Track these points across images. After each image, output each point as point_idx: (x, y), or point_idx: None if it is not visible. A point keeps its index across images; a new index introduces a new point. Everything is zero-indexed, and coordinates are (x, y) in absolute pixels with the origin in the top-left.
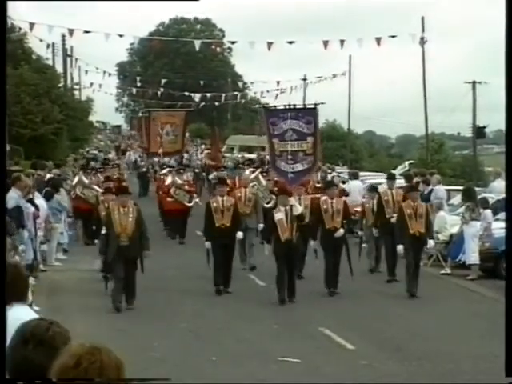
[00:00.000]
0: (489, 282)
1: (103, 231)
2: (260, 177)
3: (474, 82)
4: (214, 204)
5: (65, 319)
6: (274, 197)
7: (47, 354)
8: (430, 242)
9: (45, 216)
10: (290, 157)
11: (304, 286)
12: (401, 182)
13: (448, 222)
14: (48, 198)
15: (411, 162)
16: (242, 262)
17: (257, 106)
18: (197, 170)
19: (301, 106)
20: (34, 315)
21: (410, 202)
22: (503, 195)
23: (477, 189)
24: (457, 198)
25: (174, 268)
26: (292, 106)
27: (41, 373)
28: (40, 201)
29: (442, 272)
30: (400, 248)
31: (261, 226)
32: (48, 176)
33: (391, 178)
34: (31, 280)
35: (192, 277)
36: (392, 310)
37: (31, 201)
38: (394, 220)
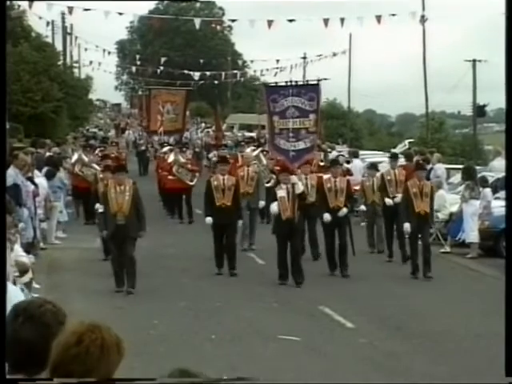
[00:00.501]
0: (488, 260)
1: (101, 209)
2: (261, 155)
3: (474, 61)
4: (215, 182)
5: (64, 297)
6: (274, 176)
7: (35, 328)
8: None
9: (45, 194)
10: (291, 134)
11: (304, 265)
12: (401, 160)
13: (447, 200)
14: (49, 176)
15: (411, 140)
16: (243, 241)
17: (257, 83)
18: (197, 149)
19: (303, 83)
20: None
21: (416, 181)
22: (503, 174)
23: (476, 167)
24: (456, 177)
25: (173, 247)
26: (294, 83)
27: (28, 347)
28: (40, 179)
29: (442, 250)
30: (407, 226)
31: (262, 203)
32: (47, 154)
33: (394, 157)
34: (31, 258)
35: (191, 256)
36: (391, 288)
37: (30, 179)
38: (397, 200)
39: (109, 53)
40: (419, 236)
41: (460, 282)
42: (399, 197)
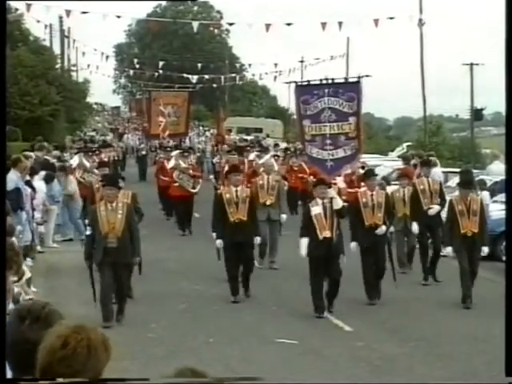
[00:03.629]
0: (487, 263)
1: (88, 231)
2: (272, 160)
3: (471, 64)
4: (227, 195)
5: (62, 300)
6: (286, 183)
7: (42, 330)
8: (484, 250)
9: (42, 198)
10: (328, 141)
11: (301, 268)
12: (398, 163)
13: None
14: (48, 180)
15: (409, 144)
16: (262, 258)
17: (289, 82)
18: (198, 154)
19: (341, 80)
20: None
21: (462, 197)
22: (501, 177)
23: (474, 171)
24: (454, 181)
25: (172, 250)
26: (330, 81)
27: (36, 348)
28: (38, 183)
29: (441, 254)
30: (449, 250)
31: (284, 217)
32: (45, 157)
33: (427, 164)
34: (29, 261)
35: (190, 260)
36: (389, 292)
37: (28, 182)
38: (431, 212)
39: (107, 57)
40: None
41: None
42: (435, 208)
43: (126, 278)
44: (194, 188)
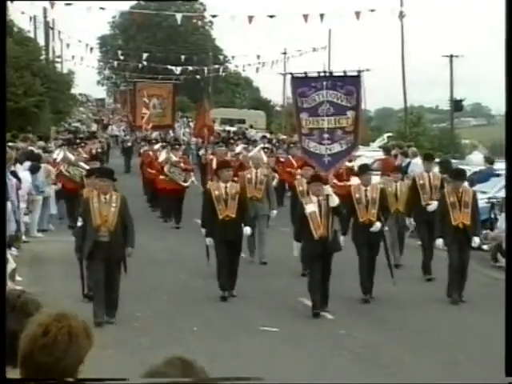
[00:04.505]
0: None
1: (79, 223)
2: (262, 153)
3: (451, 56)
4: (216, 192)
5: (47, 290)
6: (276, 175)
7: (19, 319)
8: (475, 240)
9: (27, 188)
10: (326, 136)
11: (288, 261)
12: (379, 154)
13: None
14: (33, 170)
15: (390, 134)
16: (251, 253)
17: (285, 73)
18: (183, 146)
19: (340, 73)
20: None
21: (454, 189)
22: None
23: (453, 161)
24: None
25: (158, 241)
26: (328, 73)
27: (14, 338)
28: (24, 173)
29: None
30: (439, 242)
31: (274, 212)
32: (30, 148)
33: (429, 158)
34: (14, 251)
35: (176, 250)
36: (379, 286)
37: (14, 173)
38: (430, 208)
39: (91, 48)
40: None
41: (442, 274)
42: (434, 204)
43: (117, 274)
44: (185, 181)
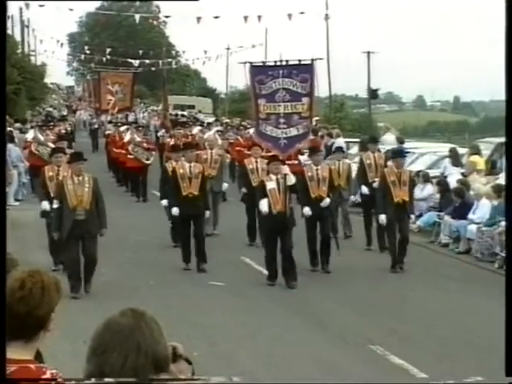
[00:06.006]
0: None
1: (55, 205)
2: (216, 135)
3: (368, 52)
4: (181, 171)
5: (20, 249)
6: (228, 155)
7: None
8: (412, 217)
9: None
10: (282, 120)
11: (238, 231)
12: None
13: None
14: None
15: (317, 118)
16: (206, 225)
17: (244, 62)
18: (140, 128)
19: (295, 62)
20: None
21: (394, 168)
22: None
23: None
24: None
25: (122, 209)
26: (284, 62)
27: None
28: None
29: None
30: (382, 218)
31: (225, 185)
32: (8, 129)
33: (373, 140)
34: None
35: (137, 217)
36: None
37: None
38: (376, 184)
39: (61, 44)
40: (398, 227)
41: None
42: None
43: (93, 249)
44: (148, 159)
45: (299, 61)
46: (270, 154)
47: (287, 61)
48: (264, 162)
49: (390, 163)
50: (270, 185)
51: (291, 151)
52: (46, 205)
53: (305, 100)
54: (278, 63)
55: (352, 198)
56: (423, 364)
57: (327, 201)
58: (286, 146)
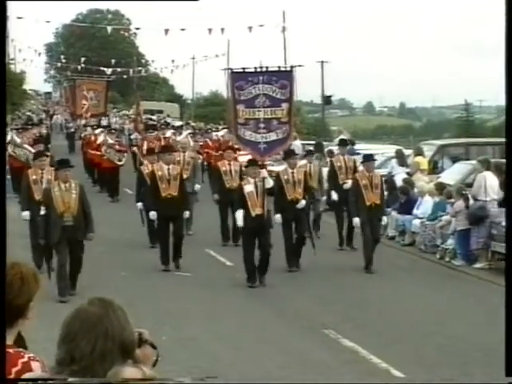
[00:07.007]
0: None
1: (42, 212)
2: (189, 138)
3: (322, 62)
4: (160, 173)
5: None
6: (200, 156)
7: None
8: (384, 219)
9: None
10: (261, 125)
11: (209, 229)
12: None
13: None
14: None
15: None
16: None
17: (225, 69)
18: (113, 131)
19: (275, 69)
20: None
21: (365, 172)
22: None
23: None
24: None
25: (96, 208)
26: (264, 69)
27: None
28: None
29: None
30: (356, 221)
31: (198, 186)
32: None
33: (343, 143)
34: None
35: (111, 214)
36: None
37: None
38: (346, 186)
39: (39, 53)
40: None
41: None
42: (349, 183)
43: (80, 254)
44: (120, 161)
45: (279, 67)
46: (243, 153)
47: (267, 67)
48: (237, 165)
49: (361, 167)
50: (248, 188)
51: (270, 155)
52: (26, 215)
53: (284, 106)
54: (259, 69)
55: (323, 198)
56: (373, 347)
57: (303, 203)
58: (265, 151)
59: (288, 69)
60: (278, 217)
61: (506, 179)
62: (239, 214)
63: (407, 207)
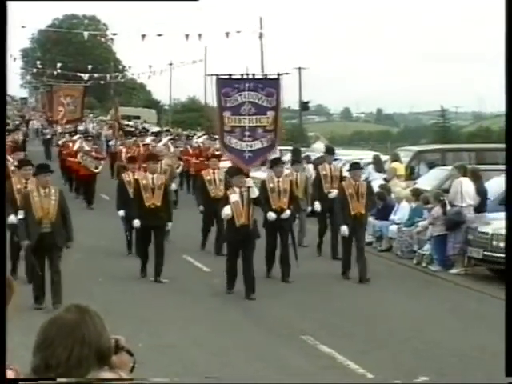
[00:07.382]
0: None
1: (20, 216)
2: (169, 144)
3: (299, 68)
4: (144, 182)
5: None
6: (181, 163)
7: None
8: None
9: None
10: (247, 133)
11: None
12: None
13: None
14: None
15: None
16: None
17: (211, 74)
18: (90, 138)
19: (261, 76)
20: None
21: (352, 181)
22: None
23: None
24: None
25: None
26: (251, 76)
27: None
28: None
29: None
30: (344, 229)
31: (173, 186)
32: None
33: (329, 152)
34: None
35: (88, 220)
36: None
37: None
38: (332, 195)
39: (15, 59)
40: (354, 238)
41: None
42: (334, 192)
43: (58, 261)
44: (96, 168)
45: (265, 75)
46: (223, 158)
47: (253, 74)
48: (221, 173)
49: (348, 176)
50: (234, 197)
51: (255, 164)
52: (12, 219)
53: (270, 114)
54: (245, 76)
55: (309, 208)
56: (350, 353)
57: (287, 213)
58: (250, 159)
59: (275, 76)
60: (270, 214)
61: (506, 181)
62: (227, 208)
63: (384, 213)
